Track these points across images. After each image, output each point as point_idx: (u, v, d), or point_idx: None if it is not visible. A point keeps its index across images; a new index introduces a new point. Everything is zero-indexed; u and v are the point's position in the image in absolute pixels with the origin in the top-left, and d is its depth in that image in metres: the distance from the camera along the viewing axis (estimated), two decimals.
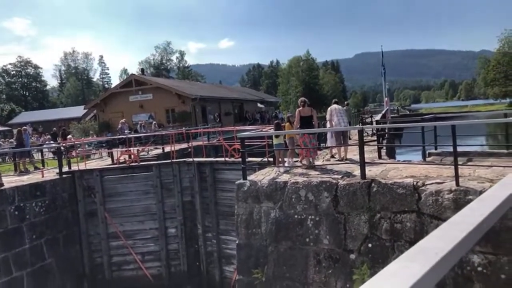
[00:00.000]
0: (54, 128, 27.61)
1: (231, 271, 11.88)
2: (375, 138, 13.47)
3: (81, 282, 12.67)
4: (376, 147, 10.50)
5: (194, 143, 15.22)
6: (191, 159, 13.02)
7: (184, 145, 17.70)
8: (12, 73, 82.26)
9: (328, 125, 10.50)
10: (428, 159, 8.80)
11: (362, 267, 6.62)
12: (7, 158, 19.35)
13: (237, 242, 8.27)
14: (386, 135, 14.10)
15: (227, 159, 12.39)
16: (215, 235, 12.28)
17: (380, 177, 7.10)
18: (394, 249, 6.42)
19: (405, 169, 7.63)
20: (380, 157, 9.74)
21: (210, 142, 17.99)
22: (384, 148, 10.98)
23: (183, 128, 21.57)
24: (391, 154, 11.87)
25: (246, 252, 7.95)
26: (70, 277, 12.23)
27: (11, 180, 12.21)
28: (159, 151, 17.13)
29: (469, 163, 7.57)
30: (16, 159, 15.31)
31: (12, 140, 21.95)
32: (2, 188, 10.83)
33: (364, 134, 10.89)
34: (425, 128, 9.32)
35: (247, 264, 7.84)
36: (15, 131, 19.51)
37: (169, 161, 13.47)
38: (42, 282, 11.22)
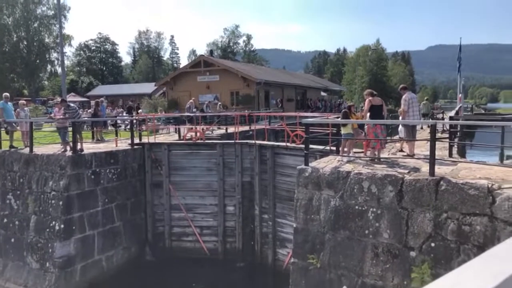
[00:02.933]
0: (130, 102, 29.37)
1: (284, 254, 12.09)
2: (444, 135, 12.79)
3: (143, 247, 13.61)
4: (446, 144, 9.98)
5: (257, 126, 15.46)
6: (253, 141, 13.28)
7: (246, 128, 18.05)
8: (93, 48, 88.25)
9: (401, 116, 10.11)
10: (506, 161, 8.22)
11: (423, 266, 6.44)
12: (85, 126, 20.98)
13: (294, 225, 8.39)
14: (458, 133, 13.30)
15: (288, 144, 12.47)
16: (271, 217, 12.52)
17: (450, 175, 6.78)
18: (460, 251, 6.15)
19: (478, 170, 7.21)
20: (450, 155, 9.27)
21: (272, 126, 18.15)
22: (455, 146, 10.40)
23: (246, 111, 21.96)
24: (463, 153, 11.20)
25: (303, 236, 8.04)
26: (135, 241, 13.19)
27: (89, 147, 13.28)
28: (223, 131, 17.61)
29: None
30: (94, 128, 16.60)
31: (90, 110, 23.71)
32: (82, 153, 11.87)
33: None
34: (505, 129, 8.68)
35: (303, 248, 7.95)
36: (92, 102, 21.02)
37: (232, 141, 13.87)
38: (111, 242, 12.23)
